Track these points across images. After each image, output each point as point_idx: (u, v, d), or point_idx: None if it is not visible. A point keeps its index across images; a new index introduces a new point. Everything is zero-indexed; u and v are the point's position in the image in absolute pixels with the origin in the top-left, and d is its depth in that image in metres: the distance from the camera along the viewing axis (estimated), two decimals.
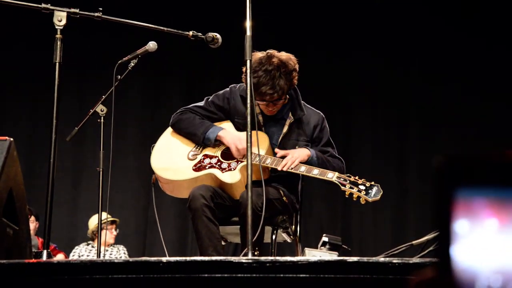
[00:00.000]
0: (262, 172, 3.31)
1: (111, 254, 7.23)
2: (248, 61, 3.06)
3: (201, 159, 3.79)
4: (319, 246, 4.53)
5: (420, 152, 7.88)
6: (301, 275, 2.15)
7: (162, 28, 3.54)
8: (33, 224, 6.76)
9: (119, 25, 3.57)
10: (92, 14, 3.37)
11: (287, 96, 3.79)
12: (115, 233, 7.29)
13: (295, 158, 3.64)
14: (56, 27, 3.23)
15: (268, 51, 3.73)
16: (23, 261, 2.36)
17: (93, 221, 7.09)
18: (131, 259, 2.50)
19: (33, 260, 2.87)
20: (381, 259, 2.39)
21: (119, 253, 7.31)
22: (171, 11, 7.93)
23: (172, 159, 3.85)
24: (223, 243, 3.74)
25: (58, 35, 3.23)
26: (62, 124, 3.37)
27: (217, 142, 3.81)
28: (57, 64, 3.21)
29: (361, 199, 3.51)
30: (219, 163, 3.74)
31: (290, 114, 3.84)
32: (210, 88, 5.87)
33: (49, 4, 3.26)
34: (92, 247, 7.27)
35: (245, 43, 3.06)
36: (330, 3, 8.05)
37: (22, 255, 2.89)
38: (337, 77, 8.03)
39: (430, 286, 0.99)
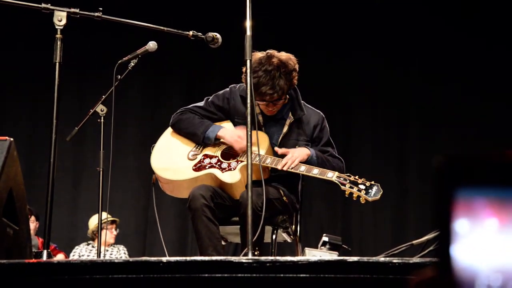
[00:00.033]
0: (262, 172, 3.31)
1: (111, 254, 7.23)
2: (248, 61, 3.07)
3: (201, 159, 3.79)
4: (319, 246, 4.53)
5: (420, 152, 7.88)
6: (301, 275, 2.15)
7: (162, 28, 3.54)
8: (33, 224, 6.76)
9: (119, 25, 3.57)
10: (92, 14, 3.37)
11: (287, 96, 3.80)
12: (115, 233, 7.29)
13: (295, 158, 3.65)
14: (56, 27, 3.23)
15: (268, 51, 3.73)
16: (23, 261, 2.37)
17: (93, 221, 7.09)
18: (131, 259, 2.50)
19: (33, 260, 2.87)
20: (381, 259, 2.39)
21: (119, 253, 7.31)
22: (171, 11, 7.93)
23: (172, 159, 3.85)
24: (223, 243, 3.75)
25: (58, 35, 3.23)
26: (62, 124, 3.37)
27: (217, 141, 3.81)
28: (57, 64, 3.21)
29: (361, 198, 3.51)
30: (219, 163, 3.74)
31: (290, 114, 3.84)
32: (210, 88, 5.87)
33: (49, 4, 3.26)
34: (93, 247, 7.27)
35: (245, 43, 3.06)
36: (330, 3, 8.05)
37: (22, 255, 2.89)
38: (337, 77, 8.03)
39: (430, 286, 0.99)
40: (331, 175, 3.58)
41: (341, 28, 8.03)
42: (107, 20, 3.45)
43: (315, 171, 3.61)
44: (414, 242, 3.28)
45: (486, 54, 7.69)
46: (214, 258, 2.65)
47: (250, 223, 2.84)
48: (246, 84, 3.13)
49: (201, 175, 3.72)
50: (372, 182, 3.55)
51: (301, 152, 3.71)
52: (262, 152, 3.61)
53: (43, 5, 3.26)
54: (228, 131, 3.80)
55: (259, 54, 3.68)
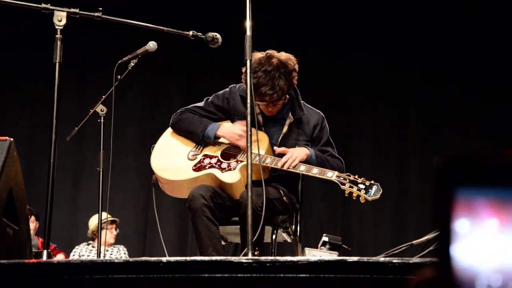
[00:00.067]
0: (262, 172, 3.31)
1: (111, 254, 7.24)
2: (248, 61, 3.07)
3: (201, 159, 3.79)
4: (319, 246, 4.53)
5: (420, 152, 7.88)
6: (301, 275, 2.15)
7: (162, 28, 3.54)
8: (33, 224, 6.76)
9: (119, 25, 3.57)
10: (92, 14, 3.37)
11: (287, 96, 3.80)
12: (115, 232, 7.29)
13: (295, 157, 3.65)
14: (56, 27, 3.23)
15: (267, 51, 3.73)
16: (23, 261, 2.37)
17: (93, 221, 7.10)
18: (131, 259, 2.50)
19: (33, 260, 2.87)
20: (381, 259, 2.39)
21: (119, 253, 7.31)
22: (171, 11, 7.93)
23: (172, 159, 3.85)
24: (223, 243, 3.75)
25: (58, 35, 3.23)
26: (62, 124, 3.37)
27: (217, 140, 3.81)
28: (57, 64, 3.21)
29: (360, 198, 3.51)
30: (219, 163, 3.74)
31: (290, 114, 3.84)
32: (210, 88, 5.87)
33: (49, 4, 3.26)
34: (93, 247, 7.27)
35: (245, 43, 3.06)
36: (330, 4, 8.05)
37: (22, 255, 2.89)
38: (337, 78, 8.03)
39: (430, 286, 0.99)
40: (331, 175, 3.58)
41: (341, 29, 8.04)
42: (107, 20, 3.45)
43: (315, 171, 3.61)
44: (414, 242, 3.28)
45: (486, 55, 7.69)
46: (214, 258, 2.65)
47: (250, 223, 2.84)
48: (246, 84, 3.13)
49: (201, 175, 3.72)
50: (372, 182, 3.55)
51: (301, 152, 3.71)
52: (262, 152, 3.61)
53: (43, 5, 3.26)
54: (227, 129, 3.80)
55: (258, 55, 3.68)
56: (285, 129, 3.83)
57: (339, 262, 2.28)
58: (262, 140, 3.62)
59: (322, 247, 4.49)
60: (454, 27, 7.84)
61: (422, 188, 7.62)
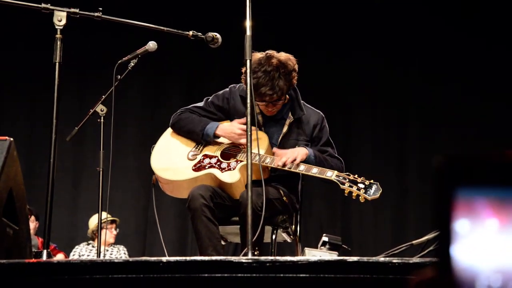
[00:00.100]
0: (262, 172, 3.31)
1: (111, 254, 7.24)
2: (248, 61, 3.07)
3: (200, 159, 3.79)
4: (319, 246, 4.53)
5: (420, 152, 7.88)
6: (301, 275, 2.15)
7: (162, 28, 3.54)
8: (33, 224, 6.76)
9: (119, 25, 3.57)
10: (92, 14, 3.37)
11: (287, 96, 3.80)
12: (115, 232, 7.29)
13: (294, 156, 3.65)
14: (56, 27, 3.23)
15: (267, 51, 3.73)
16: (23, 261, 2.36)
17: (93, 221, 7.10)
18: (131, 259, 2.50)
19: (33, 260, 2.87)
20: (381, 259, 2.39)
21: (119, 253, 7.31)
22: (171, 11, 7.93)
23: (172, 159, 3.85)
24: (223, 243, 3.75)
25: (58, 35, 3.23)
26: (62, 124, 3.37)
27: (217, 138, 3.81)
28: (57, 64, 3.21)
29: (360, 197, 3.51)
30: (218, 163, 3.74)
31: (290, 114, 3.84)
32: (210, 88, 5.87)
33: (49, 4, 3.26)
34: (93, 246, 7.27)
35: (245, 43, 3.06)
36: (330, 3, 8.05)
37: (22, 255, 2.89)
38: (337, 77, 8.03)
39: (430, 286, 0.99)
40: (331, 174, 3.58)
41: (341, 28, 8.03)
42: (107, 20, 3.45)
43: (314, 170, 3.61)
44: (414, 242, 3.28)
45: (486, 54, 7.69)
46: (214, 258, 2.65)
47: (250, 223, 2.84)
48: (246, 84, 3.13)
49: (200, 175, 3.72)
50: (372, 181, 3.55)
51: (300, 151, 3.71)
52: (262, 151, 3.61)
53: (43, 5, 3.26)
54: (226, 128, 3.80)
55: (258, 55, 3.68)
56: (285, 129, 3.83)
57: (339, 262, 2.28)
58: (261, 140, 3.62)
59: (322, 247, 4.49)
60: (454, 26, 7.84)
61: (422, 188, 7.62)
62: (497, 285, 0.95)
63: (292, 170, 3.64)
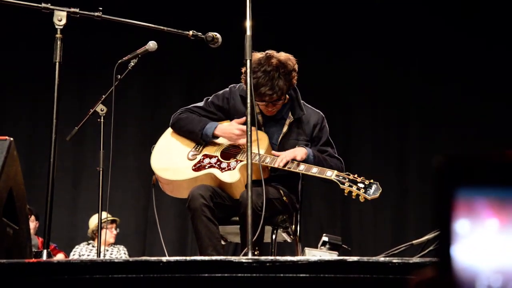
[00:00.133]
0: (262, 172, 3.31)
1: (111, 254, 7.24)
2: (248, 61, 3.07)
3: (200, 159, 3.79)
4: (319, 245, 4.53)
5: (420, 152, 7.88)
6: (301, 275, 2.15)
7: (162, 27, 3.54)
8: (33, 224, 6.76)
9: (119, 25, 3.57)
10: (92, 13, 3.37)
11: (287, 96, 3.80)
12: (115, 232, 7.29)
13: (294, 154, 3.65)
14: (56, 26, 3.23)
15: (267, 51, 3.73)
16: (23, 261, 2.36)
17: (93, 221, 7.10)
18: (131, 259, 2.50)
19: (33, 260, 2.87)
20: (381, 258, 2.39)
21: (119, 253, 7.31)
22: (171, 11, 7.93)
23: (172, 159, 3.85)
24: (223, 242, 3.75)
25: (58, 35, 3.23)
26: (62, 124, 3.37)
27: (216, 138, 3.81)
28: (57, 63, 3.21)
29: (360, 197, 3.51)
30: (218, 163, 3.74)
31: (290, 114, 3.84)
32: (210, 88, 5.87)
33: (49, 4, 3.26)
34: (93, 246, 7.27)
35: (245, 43, 3.06)
36: (330, 3, 8.05)
37: (22, 254, 2.89)
38: (337, 77, 8.03)
39: (430, 286, 0.99)
40: (330, 174, 3.58)
41: (341, 28, 8.03)
42: (107, 20, 3.45)
43: (314, 170, 3.61)
44: (414, 242, 3.28)
45: (486, 54, 7.69)
46: (214, 258, 2.65)
47: (250, 223, 2.84)
48: (246, 84, 3.13)
49: (200, 175, 3.72)
50: (371, 181, 3.55)
51: (299, 151, 3.71)
52: (262, 151, 3.61)
53: (43, 5, 3.26)
54: (226, 128, 3.80)
55: (258, 55, 3.68)
56: (285, 129, 3.83)
57: (339, 262, 2.28)
58: (261, 140, 3.62)
59: (322, 247, 4.49)
60: (454, 26, 7.84)
61: (422, 188, 7.62)
62: (497, 285, 0.95)
63: (292, 170, 3.64)
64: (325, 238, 4.53)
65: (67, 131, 4.26)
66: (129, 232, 7.97)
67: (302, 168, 3.63)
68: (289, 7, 8.03)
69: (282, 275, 2.15)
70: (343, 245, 4.60)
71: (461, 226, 0.97)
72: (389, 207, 7.72)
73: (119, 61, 4.07)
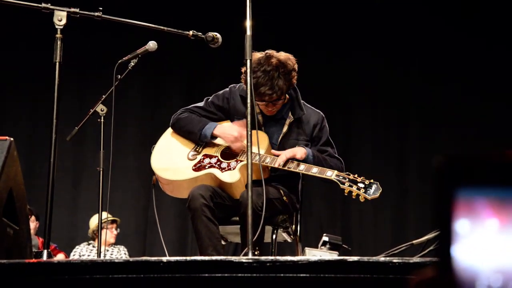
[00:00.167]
0: (262, 172, 3.30)
1: (111, 254, 7.24)
2: (248, 61, 3.07)
3: (200, 159, 3.79)
4: (319, 245, 4.53)
5: (420, 152, 7.88)
6: (301, 275, 2.15)
7: (162, 27, 3.54)
8: (33, 224, 6.76)
9: (119, 25, 3.57)
10: (92, 13, 3.37)
11: (287, 95, 3.80)
12: (115, 232, 7.29)
13: (293, 153, 3.66)
14: (56, 26, 3.23)
15: (266, 51, 3.72)
16: (24, 261, 2.36)
17: (94, 221, 7.10)
18: (131, 259, 2.50)
19: (34, 260, 2.87)
20: (382, 258, 2.39)
21: (119, 254, 7.31)
22: (171, 11, 7.93)
23: (172, 159, 3.85)
24: (223, 242, 3.75)
25: (58, 35, 3.23)
26: (62, 124, 3.37)
27: (214, 139, 3.81)
28: (57, 64, 3.21)
29: (360, 197, 3.51)
30: (218, 163, 3.74)
31: (290, 114, 3.84)
32: (210, 88, 5.87)
33: (49, 4, 3.26)
34: (93, 247, 7.27)
35: (245, 43, 3.06)
36: (330, 3, 8.05)
37: (22, 255, 2.89)
38: (337, 77, 8.03)
39: (431, 286, 0.99)
40: (330, 174, 3.58)
41: (341, 28, 8.04)
42: (107, 20, 3.44)
43: (315, 170, 3.61)
44: (414, 242, 3.28)
45: (486, 54, 7.69)
46: (214, 258, 2.65)
47: (250, 223, 2.84)
48: (246, 84, 3.13)
49: (201, 175, 3.72)
50: (371, 180, 3.55)
51: (299, 150, 3.71)
52: (262, 151, 3.61)
53: (43, 5, 3.26)
54: (224, 129, 3.79)
55: (258, 55, 3.68)
56: (285, 128, 3.83)
57: (339, 262, 2.28)
58: (261, 140, 3.62)
59: (322, 247, 4.49)
60: (454, 26, 7.84)
61: (422, 188, 7.62)
62: (497, 285, 0.95)
63: (292, 169, 3.64)
64: (325, 238, 4.53)
65: (67, 131, 4.26)
66: (129, 232, 7.97)
67: (302, 168, 3.63)
68: (289, 7, 8.03)
69: (282, 275, 2.15)
70: (343, 245, 4.60)
71: (461, 226, 0.97)
72: (389, 207, 7.72)
73: (119, 61, 4.07)
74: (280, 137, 3.82)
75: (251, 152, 3.00)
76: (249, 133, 2.99)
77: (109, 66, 4.15)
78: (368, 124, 8.16)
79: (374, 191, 3.52)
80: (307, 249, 4.39)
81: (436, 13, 7.90)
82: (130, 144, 8.10)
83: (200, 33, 3.54)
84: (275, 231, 3.78)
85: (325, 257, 4.15)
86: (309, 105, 3.93)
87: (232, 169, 3.69)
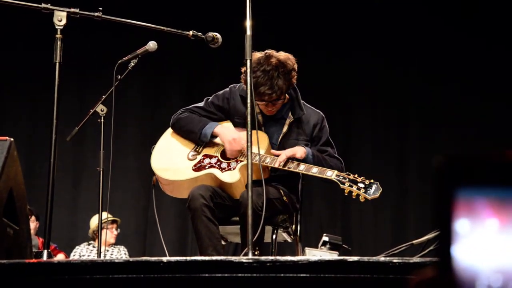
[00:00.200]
0: (262, 172, 3.30)
1: (111, 254, 7.23)
2: (248, 61, 3.07)
3: (200, 159, 3.79)
4: (319, 245, 4.53)
5: (420, 152, 7.88)
6: (301, 275, 2.15)
7: (162, 28, 3.54)
8: (33, 224, 6.76)
9: (119, 25, 3.57)
10: (92, 14, 3.37)
11: (287, 95, 3.80)
12: (115, 232, 7.29)
13: (293, 152, 3.66)
14: (56, 27, 3.23)
15: (266, 51, 3.72)
16: (24, 261, 2.37)
17: (94, 221, 7.10)
18: (131, 259, 2.50)
19: (34, 260, 2.87)
20: (382, 258, 2.39)
21: (119, 254, 7.31)
22: (171, 11, 7.93)
23: (172, 159, 3.85)
24: (223, 242, 3.75)
25: (58, 35, 3.23)
26: (62, 124, 3.37)
27: (214, 138, 3.80)
28: (57, 64, 3.21)
29: (360, 197, 3.51)
30: (218, 163, 3.74)
31: (290, 114, 3.84)
32: (210, 88, 5.87)
33: (49, 4, 3.26)
34: (93, 247, 7.27)
35: (245, 43, 3.06)
36: (330, 3, 8.05)
37: (23, 255, 2.89)
38: (337, 77, 8.03)
39: (431, 286, 0.99)
40: (331, 174, 3.58)
41: (341, 28, 8.04)
42: (107, 20, 3.45)
43: (314, 170, 3.61)
44: (414, 242, 3.28)
45: (486, 54, 7.69)
46: (214, 258, 2.65)
47: (250, 223, 2.84)
48: (246, 84, 3.13)
49: (201, 175, 3.72)
50: (372, 180, 3.55)
51: (299, 149, 3.71)
52: (262, 152, 3.61)
53: (43, 5, 3.26)
54: (225, 130, 3.79)
55: (257, 54, 3.68)
56: (285, 128, 3.83)
57: (339, 262, 2.28)
58: (262, 140, 3.62)
59: (323, 247, 4.49)
60: (454, 26, 7.84)
61: (422, 188, 7.62)
62: (497, 285, 0.95)
63: (292, 170, 3.64)
64: (325, 238, 4.53)
65: (67, 131, 4.26)
66: (129, 232, 7.97)
67: (302, 168, 3.63)
68: (289, 7, 8.03)
69: (282, 275, 2.15)
70: (343, 245, 4.60)
71: (461, 226, 0.97)
72: (389, 207, 7.72)
73: (119, 61, 4.07)
74: (280, 137, 3.82)
75: (251, 152, 3.00)
76: (249, 133, 2.99)
77: (109, 66, 4.15)
78: (368, 124, 8.16)
79: (374, 191, 3.52)
80: (307, 249, 4.39)
81: (436, 13, 7.90)
82: (130, 144, 8.10)
83: (200, 33, 3.54)
84: (275, 231, 3.78)
85: (325, 257, 4.15)
86: (309, 105, 3.93)
87: (232, 169, 3.69)
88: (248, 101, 3.04)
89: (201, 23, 4.46)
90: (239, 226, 3.63)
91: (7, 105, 8.40)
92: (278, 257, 2.20)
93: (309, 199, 7.52)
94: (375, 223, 7.97)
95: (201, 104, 3.94)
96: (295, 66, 3.73)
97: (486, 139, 7.45)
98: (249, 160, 2.94)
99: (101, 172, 4.17)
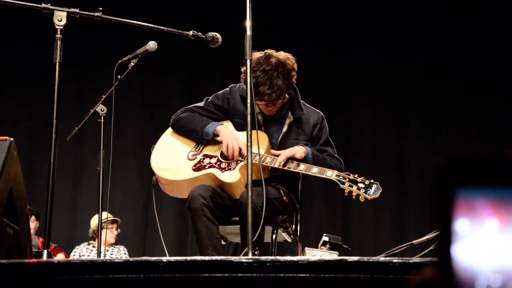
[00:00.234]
0: (262, 172, 3.30)
1: (111, 254, 7.23)
2: (248, 61, 3.07)
3: (200, 159, 3.79)
4: (319, 245, 4.53)
5: (420, 152, 7.88)
6: (301, 275, 2.15)
7: (162, 28, 3.54)
8: (33, 224, 6.76)
9: (119, 25, 3.57)
10: (92, 14, 3.37)
11: (286, 95, 3.80)
12: (115, 232, 7.29)
13: (293, 152, 3.66)
14: (56, 27, 3.23)
15: (266, 51, 3.72)
16: (24, 261, 2.36)
17: (94, 221, 7.10)
18: (131, 259, 2.50)
19: (34, 260, 2.87)
20: (382, 258, 2.39)
21: (119, 254, 7.31)
22: (171, 11, 7.93)
23: (172, 159, 3.85)
24: (223, 242, 3.75)
25: (58, 35, 3.23)
26: (62, 124, 3.37)
27: (216, 137, 3.80)
28: (57, 64, 3.21)
29: (360, 197, 3.51)
30: (218, 163, 3.74)
31: (289, 114, 3.84)
32: (210, 88, 5.87)
33: (49, 4, 3.26)
34: (93, 247, 7.27)
35: (245, 43, 3.06)
36: (330, 3, 8.05)
37: (23, 255, 2.89)
38: (337, 77, 8.04)
39: (431, 286, 0.99)
40: (330, 174, 3.58)
41: (341, 28, 8.04)
42: (107, 20, 3.45)
43: (314, 170, 3.61)
44: (414, 242, 3.28)
45: (486, 54, 7.69)
46: (214, 258, 2.65)
47: (250, 223, 2.84)
48: (246, 84, 3.13)
49: (200, 175, 3.72)
50: (372, 181, 3.55)
51: (299, 149, 3.71)
52: (262, 151, 3.61)
53: (43, 5, 3.26)
54: (226, 130, 3.79)
55: (257, 54, 3.68)
56: (284, 128, 3.83)
57: (339, 262, 2.28)
58: (262, 140, 3.62)
59: (322, 247, 4.48)
60: (454, 26, 7.84)
61: (422, 188, 7.62)
62: (497, 285, 0.95)
63: (292, 169, 3.64)
64: (325, 238, 4.53)
65: (67, 131, 4.26)
66: (129, 232, 7.97)
67: (302, 168, 3.63)
68: (289, 7, 8.03)
69: (282, 275, 2.15)
70: (343, 245, 4.60)
71: (461, 226, 0.97)
72: (389, 207, 7.72)
73: (119, 61, 4.07)
74: (280, 137, 3.82)
75: (251, 152, 3.00)
76: (249, 133, 2.99)
77: (109, 66, 4.15)
78: (368, 124, 8.16)
79: (374, 191, 3.52)
80: (307, 249, 4.39)
81: (436, 13, 7.90)
82: (130, 144, 8.10)
83: (200, 33, 3.54)
84: (275, 231, 3.78)
85: (325, 257, 4.15)
86: (308, 105, 3.93)
87: (232, 169, 3.69)
88: (248, 101, 3.04)
89: (201, 23, 4.46)
90: (239, 226, 3.63)
91: (7, 105, 8.40)
92: (278, 257, 2.20)
93: (309, 199, 7.52)
94: (375, 223, 7.97)
95: (201, 104, 3.94)
96: (295, 66, 3.73)
97: (486, 139, 7.45)
98: (249, 160, 2.94)
99: (101, 172, 4.17)
